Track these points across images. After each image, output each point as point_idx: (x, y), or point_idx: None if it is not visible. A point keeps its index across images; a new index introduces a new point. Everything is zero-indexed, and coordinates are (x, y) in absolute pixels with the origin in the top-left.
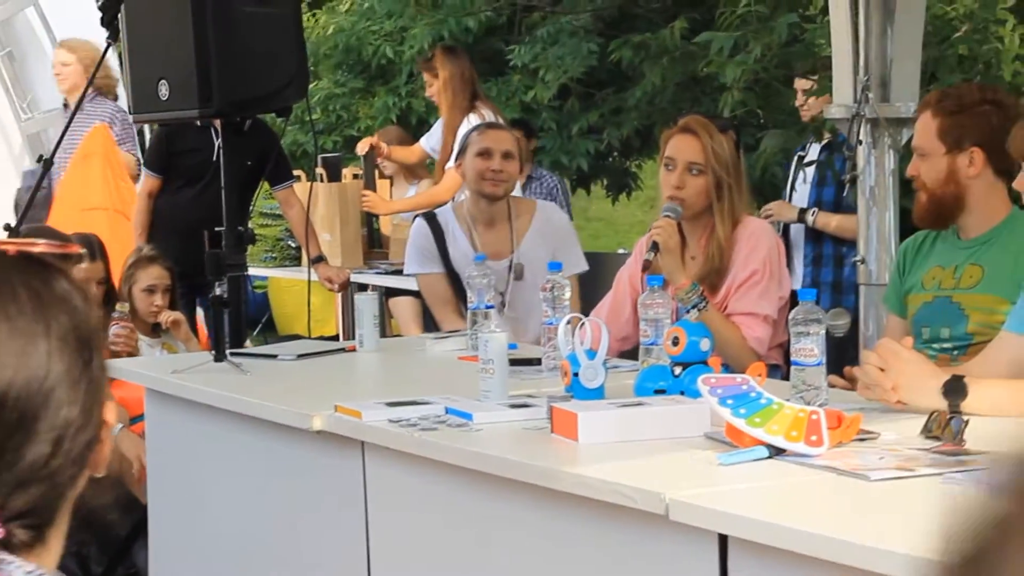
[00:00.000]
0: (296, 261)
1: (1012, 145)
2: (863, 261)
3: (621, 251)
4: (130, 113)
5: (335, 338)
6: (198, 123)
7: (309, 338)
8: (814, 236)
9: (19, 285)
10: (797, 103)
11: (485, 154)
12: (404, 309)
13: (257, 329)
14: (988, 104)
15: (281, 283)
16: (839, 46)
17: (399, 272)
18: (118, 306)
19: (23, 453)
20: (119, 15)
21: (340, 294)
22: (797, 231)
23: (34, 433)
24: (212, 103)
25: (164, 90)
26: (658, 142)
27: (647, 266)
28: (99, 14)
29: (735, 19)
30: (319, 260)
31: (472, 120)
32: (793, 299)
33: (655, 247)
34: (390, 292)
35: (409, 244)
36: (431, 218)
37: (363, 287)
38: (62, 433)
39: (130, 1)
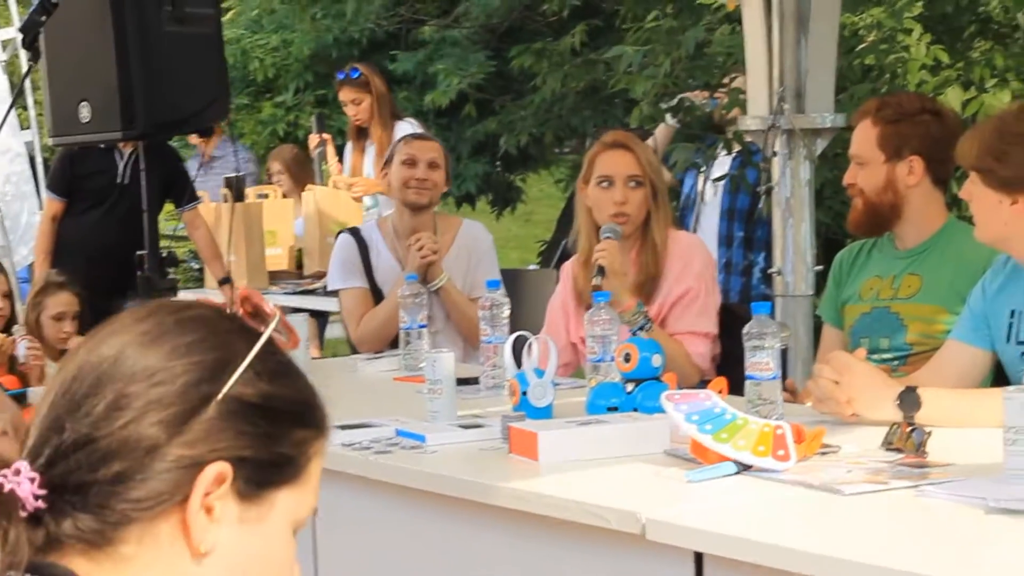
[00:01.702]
0: (200, 282)
1: (959, 153)
2: (779, 272)
3: (532, 267)
4: (50, 136)
5: None
6: (102, 145)
7: None
8: (725, 242)
9: None
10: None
11: (410, 163)
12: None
13: None
14: (928, 114)
15: None
16: (753, 57)
17: (304, 292)
18: (15, 327)
19: None
20: (39, 37)
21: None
22: (709, 238)
23: None
24: (135, 125)
25: (85, 112)
26: (547, 153)
27: (595, 290)
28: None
29: (643, 33)
30: (226, 281)
31: (404, 128)
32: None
33: (601, 271)
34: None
35: (333, 258)
36: (355, 232)
37: None
38: None
39: (51, 23)
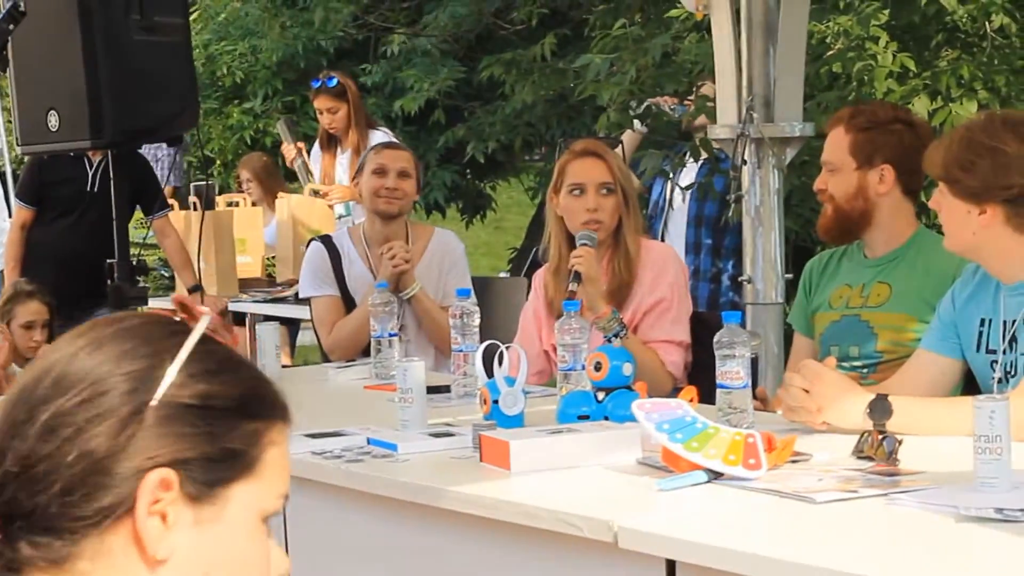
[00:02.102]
0: (169, 290)
1: (927, 163)
2: (749, 281)
3: (503, 274)
4: (18, 145)
5: None
6: (71, 153)
7: None
8: (694, 249)
9: None
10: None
11: (380, 172)
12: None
13: None
14: (901, 123)
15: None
16: (722, 66)
17: (274, 300)
18: None
19: None
20: (7, 44)
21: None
22: (677, 245)
23: None
24: (104, 134)
25: (54, 120)
26: (516, 161)
27: (571, 297)
28: None
29: (610, 41)
30: (197, 289)
31: (378, 137)
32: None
33: (577, 277)
34: (268, 319)
35: (304, 266)
36: (327, 240)
37: (238, 316)
38: None
39: (19, 31)
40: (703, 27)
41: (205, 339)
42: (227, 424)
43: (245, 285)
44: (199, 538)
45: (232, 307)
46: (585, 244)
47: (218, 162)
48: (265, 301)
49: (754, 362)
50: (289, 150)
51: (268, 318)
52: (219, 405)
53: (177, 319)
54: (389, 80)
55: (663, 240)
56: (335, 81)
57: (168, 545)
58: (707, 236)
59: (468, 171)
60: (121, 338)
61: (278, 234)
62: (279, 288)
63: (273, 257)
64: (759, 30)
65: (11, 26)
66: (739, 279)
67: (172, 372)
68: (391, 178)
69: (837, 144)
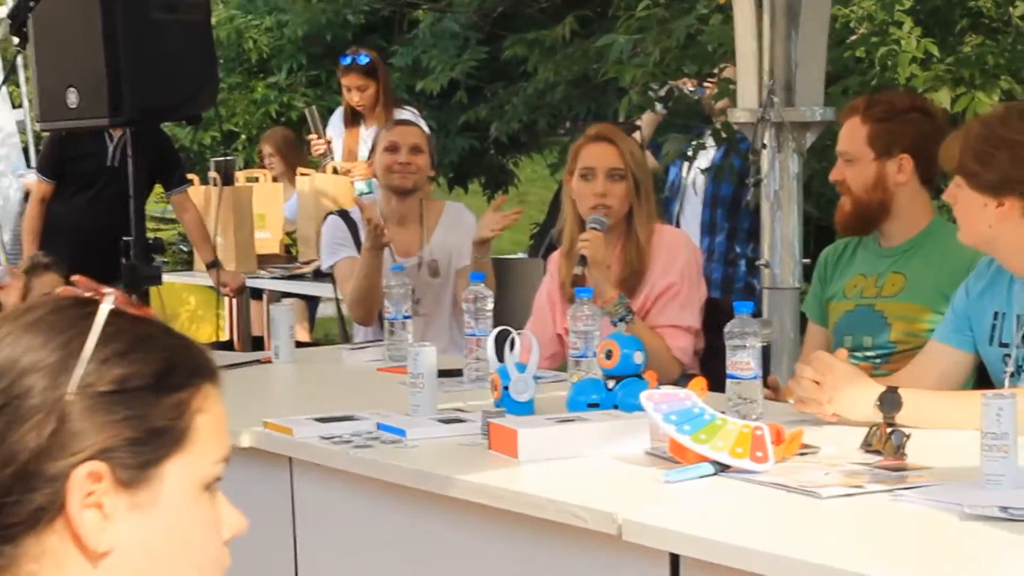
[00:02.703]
0: (188, 265)
1: (943, 156)
2: (767, 265)
3: (521, 255)
4: (38, 121)
5: (229, 343)
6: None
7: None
8: (709, 230)
9: None
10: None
11: (392, 148)
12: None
13: None
14: (917, 112)
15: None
16: (743, 49)
17: (293, 276)
18: None
19: None
20: (28, 22)
21: (235, 299)
22: (692, 225)
23: None
24: (123, 111)
25: (73, 98)
26: (540, 138)
27: (576, 280)
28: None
29: (634, 22)
30: (215, 265)
31: (404, 115)
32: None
33: (583, 260)
34: (286, 295)
35: (324, 239)
36: (344, 215)
37: (256, 292)
38: None
39: (39, 8)
40: (726, 9)
41: (114, 318)
42: (148, 403)
43: (264, 261)
44: (139, 523)
45: (250, 283)
46: (594, 228)
47: (243, 136)
48: (283, 277)
49: (766, 349)
50: (318, 144)
51: (286, 294)
52: (136, 385)
53: (88, 297)
54: (413, 56)
55: (679, 221)
56: (367, 59)
57: (109, 537)
58: (723, 217)
59: (490, 147)
60: (33, 331)
61: (299, 210)
62: (297, 264)
63: (293, 232)
64: (781, 13)
65: (32, 3)
66: (756, 263)
67: (83, 363)
68: (403, 153)
69: (854, 134)
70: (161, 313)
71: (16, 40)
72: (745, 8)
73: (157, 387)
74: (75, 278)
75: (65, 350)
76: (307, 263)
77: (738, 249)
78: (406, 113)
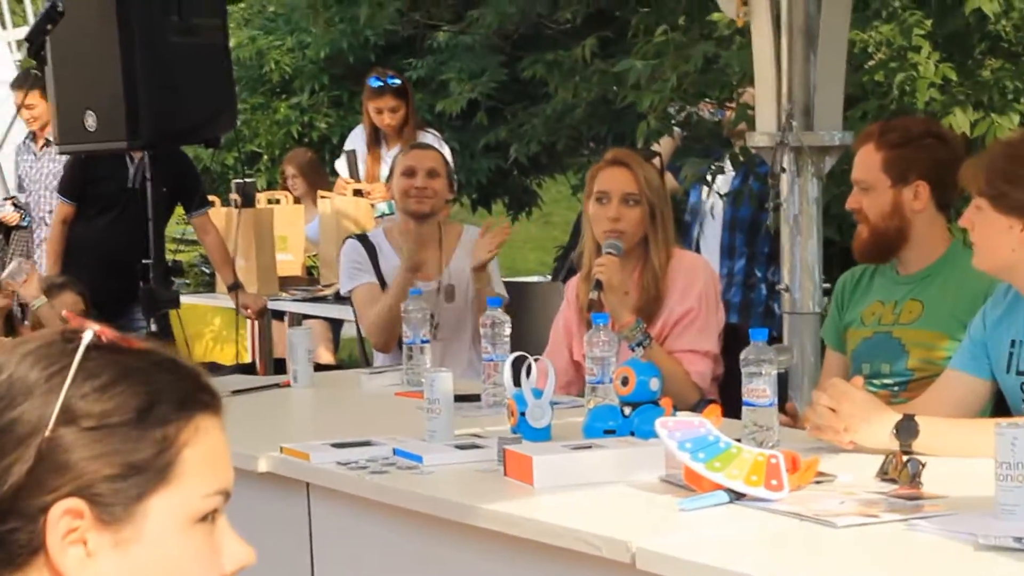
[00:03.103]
0: (210, 287)
1: (964, 179)
2: (787, 289)
3: (538, 278)
4: (56, 144)
5: (252, 366)
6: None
7: (226, 367)
8: (728, 253)
9: None
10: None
11: (409, 173)
12: (313, 333)
13: None
14: (932, 138)
15: (184, 306)
16: (761, 73)
17: (315, 299)
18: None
19: None
20: (46, 45)
21: (257, 322)
22: (712, 248)
23: None
24: (140, 134)
25: (91, 121)
26: (562, 160)
27: (592, 305)
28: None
29: (651, 47)
30: (236, 287)
31: (427, 138)
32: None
33: (599, 285)
34: (306, 317)
35: (342, 263)
36: (363, 239)
37: (278, 314)
38: None
39: (57, 31)
40: (745, 33)
41: (97, 353)
42: (129, 439)
43: (285, 283)
44: (123, 560)
45: (272, 305)
46: (610, 253)
47: (265, 157)
48: (305, 300)
49: (784, 375)
50: (346, 185)
51: (307, 316)
52: (117, 421)
53: (74, 330)
54: (432, 77)
55: (698, 244)
56: (398, 81)
57: (92, 574)
58: (742, 241)
59: (513, 168)
60: (25, 363)
61: (321, 233)
62: (319, 287)
63: (315, 255)
64: (799, 37)
65: (49, 26)
66: (776, 287)
67: (61, 399)
68: (420, 178)
69: (869, 162)
70: (181, 335)
71: (34, 63)
72: (764, 32)
73: (139, 422)
74: (65, 313)
75: (47, 385)
76: (328, 285)
77: (758, 273)
78: (428, 136)
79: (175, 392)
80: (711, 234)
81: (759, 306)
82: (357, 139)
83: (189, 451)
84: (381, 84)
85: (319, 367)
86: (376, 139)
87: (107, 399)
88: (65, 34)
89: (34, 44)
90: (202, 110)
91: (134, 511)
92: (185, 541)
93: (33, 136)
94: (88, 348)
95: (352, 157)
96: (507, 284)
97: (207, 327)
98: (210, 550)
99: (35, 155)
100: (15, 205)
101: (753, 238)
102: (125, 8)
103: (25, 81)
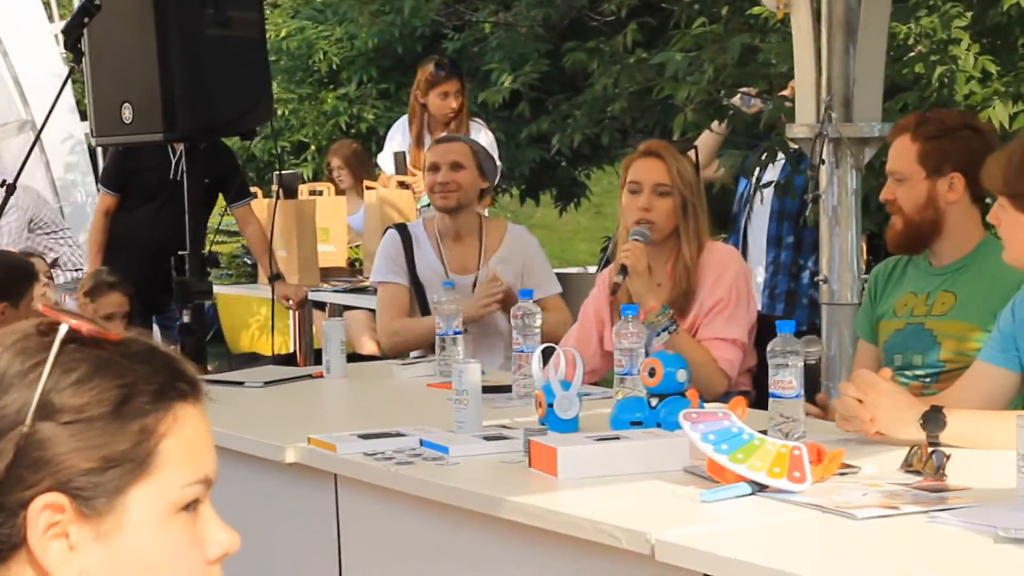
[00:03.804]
0: (253, 278)
1: (986, 177)
2: (825, 280)
3: (590, 268)
4: (93, 136)
5: (292, 356)
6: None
7: (265, 357)
8: (775, 244)
9: None
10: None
11: (433, 168)
12: (357, 323)
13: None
14: (968, 129)
15: (229, 296)
16: (801, 65)
17: (356, 290)
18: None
19: None
20: (82, 38)
21: (297, 312)
22: (759, 238)
23: None
24: (176, 127)
25: (128, 113)
26: (607, 150)
27: (615, 289)
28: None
29: (689, 40)
30: (277, 278)
31: (474, 128)
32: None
33: (624, 270)
34: (348, 308)
35: (379, 251)
36: (403, 229)
37: (320, 305)
38: None
39: (94, 24)
40: (784, 26)
41: (73, 346)
42: (107, 432)
43: (327, 274)
44: (105, 552)
45: (312, 296)
46: (637, 239)
47: (312, 147)
48: (346, 291)
49: (816, 367)
50: (388, 180)
51: (348, 307)
52: (95, 415)
53: (51, 323)
54: (474, 67)
55: (746, 233)
56: (456, 67)
57: (75, 568)
58: (788, 231)
59: (561, 159)
60: (7, 356)
61: (366, 225)
62: (359, 278)
63: (359, 245)
64: (839, 29)
65: (86, 19)
66: (815, 278)
67: (37, 394)
68: (443, 172)
69: (904, 153)
70: (229, 324)
71: (71, 56)
72: (803, 23)
73: (116, 415)
74: (40, 306)
75: (24, 380)
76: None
77: (801, 262)
78: (474, 125)
79: (152, 383)
80: (758, 224)
81: (804, 296)
82: (400, 132)
83: (168, 441)
84: (442, 70)
85: (363, 357)
86: (422, 131)
87: (84, 393)
88: (102, 27)
89: (71, 37)
90: (238, 103)
91: (115, 503)
92: (167, 531)
93: None
94: (64, 342)
95: (401, 158)
96: (558, 275)
97: (252, 317)
98: (192, 539)
99: None
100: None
101: (800, 227)
102: (162, 1)
103: None
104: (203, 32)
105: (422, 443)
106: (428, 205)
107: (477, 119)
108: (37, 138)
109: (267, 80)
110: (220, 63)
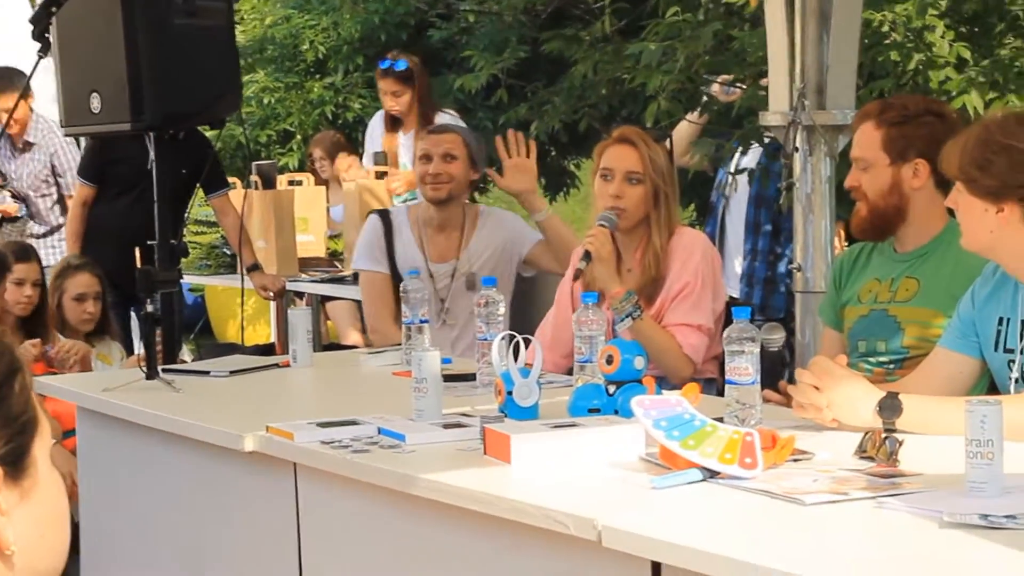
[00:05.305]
0: (231, 269)
1: (944, 162)
2: (799, 268)
3: None
4: (62, 126)
5: (271, 347)
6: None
7: (244, 347)
8: (753, 229)
9: None
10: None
11: (425, 158)
12: (342, 313)
13: (194, 333)
14: (932, 115)
15: (216, 288)
16: (775, 53)
17: (335, 280)
18: (31, 343)
19: None
20: (50, 27)
21: (275, 303)
22: (737, 224)
23: None
24: (144, 117)
25: (96, 103)
26: (588, 139)
27: (579, 275)
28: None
29: (664, 28)
30: (254, 268)
31: (444, 119)
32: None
33: (587, 256)
34: (326, 298)
35: (360, 237)
36: (384, 215)
37: (299, 295)
38: None
39: (62, 14)
40: (758, 15)
41: None
42: (6, 398)
43: (306, 264)
44: (30, 510)
45: (291, 286)
46: (602, 225)
47: (298, 136)
48: (324, 281)
49: (775, 355)
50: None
51: (327, 298)
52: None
53: None
54: (453, 55)
55: (723, 220)
56: (404, 64)
57: (11, 534)
58: (766, 218)
59: (551, 148)
60: None
61: (345, 214)
62: (338, 268)
63: (338, 235)
64: (813, 16)
65: (54, 8)
66: (789, 266)
67: None
68: (435, 163)
69: (868, 140)
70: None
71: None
72: (777, 11)
73: (8, 381)
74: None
75: None
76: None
77: (779, 249)
78: (446, 117)
79: (6, 348)
80: (736, 210)
81: (782, 283)
82: (377, 123)
83: (34, 393)
84: (387, 66)
85: (345, 347)
86: (393, 123)
87: None
88: (70, 16)
89: (39, 27)
90: (207, 92)
91: (28, 462)
92: (56, 478)
93: (10, 138)
94: None
95: (381, 158)
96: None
97: (240, 308)
98: (61, 482)
99: (13, 155)
100: (14, 196)
101: (777, 214)
102: None
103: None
104: (171, 21)
105: (380, 431)
106: (405, 202)
107: (448, 111)
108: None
109: (236, 69)
110: (188, 52)
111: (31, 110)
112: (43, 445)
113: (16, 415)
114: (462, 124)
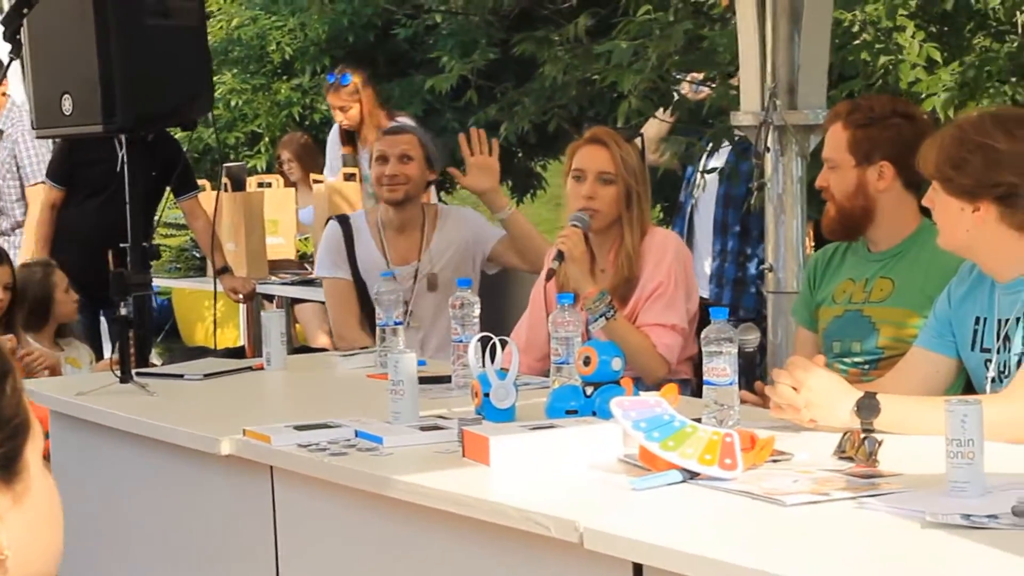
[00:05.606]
0: (201, 272)
1: (920, 161)
2: (771, 269)
3: None
4: (33, 128)
5: (241, 350)
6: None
7: (215, 350)
8: (721, 230)
9: None
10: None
11: (381, 159)
12: (310, 316)
13: (161, 336)
14: (899, 117)
15: (184, 290)
16: (746, 52)
17: (305, 282)
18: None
19: None
20: (22, 29)
21: (245, 305)
22: (706, 224)
23: None
24: (116, 118)
25: (68, 104)
26: (557, 140)
27: (552, 275)
28: None
29: (635, 27)
30: (224, 271)
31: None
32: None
33: (560, 256)
34: (296, 301)
35: (321, 244)
36: (344, 221)
37: (269, 298)
38: None
39: (33, 15)
40: (726, 16)
41: None
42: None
43: (276, 266)
44: (23, 514)
45: (261, 289)
46: (575, 225)
47: (266, 138)
48: (294, 283)
49: (751, 355)
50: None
51: (297, 301)
52: None
53: None
54: (421, 55)
55: (691, 219)
56: (348, 80)
57: (5, 539)
58: (735, 218)
59: (518, 149)
60: None
61: (315, 216)
62: (308, 270)
63: (307, 238)
64: (784, 16)
65: (26, 10)
66: (761, 266)
67: None
68: (391, 164)
69: (836, 141)
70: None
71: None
72: (748, 11)
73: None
74: None
75: None
76: None
77: (748, 250)
78: (401, 115)
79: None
80: (704, 210)
81: (751, 284)
82: (336, 136)
83: (25, 395)
84: (332, 80)
85: (315, 350)
86: (348, 137)
87: None
88: (41, 18)
89: (10, 28)
90: (178, 93)
91: (20, 466)
92: (47, 480)
93: None
94: None
95: (349, 159)
96: (502, 272)
97: (207, 311)
98: (52, 483)
99: None
100: None
101: (746, 214)
102: None
103: None
104: (143, 22)
105: (357, 434)
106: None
107: (402, 115)
108: None
109: (208, 70)
110: (160, 53)
111: (5, 95)
112: (35, 448)
113: (8, 418)
114: (401, 124)
